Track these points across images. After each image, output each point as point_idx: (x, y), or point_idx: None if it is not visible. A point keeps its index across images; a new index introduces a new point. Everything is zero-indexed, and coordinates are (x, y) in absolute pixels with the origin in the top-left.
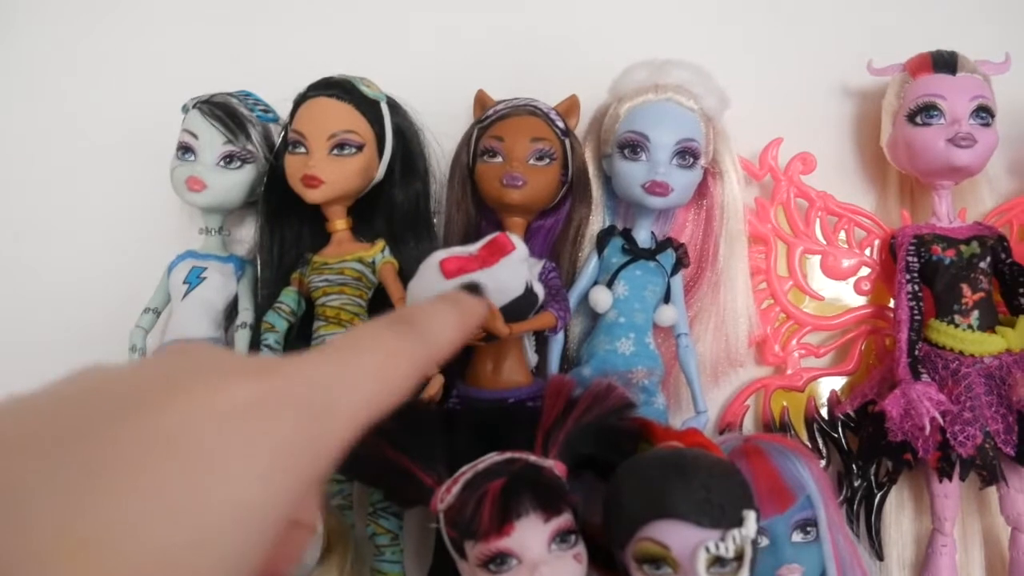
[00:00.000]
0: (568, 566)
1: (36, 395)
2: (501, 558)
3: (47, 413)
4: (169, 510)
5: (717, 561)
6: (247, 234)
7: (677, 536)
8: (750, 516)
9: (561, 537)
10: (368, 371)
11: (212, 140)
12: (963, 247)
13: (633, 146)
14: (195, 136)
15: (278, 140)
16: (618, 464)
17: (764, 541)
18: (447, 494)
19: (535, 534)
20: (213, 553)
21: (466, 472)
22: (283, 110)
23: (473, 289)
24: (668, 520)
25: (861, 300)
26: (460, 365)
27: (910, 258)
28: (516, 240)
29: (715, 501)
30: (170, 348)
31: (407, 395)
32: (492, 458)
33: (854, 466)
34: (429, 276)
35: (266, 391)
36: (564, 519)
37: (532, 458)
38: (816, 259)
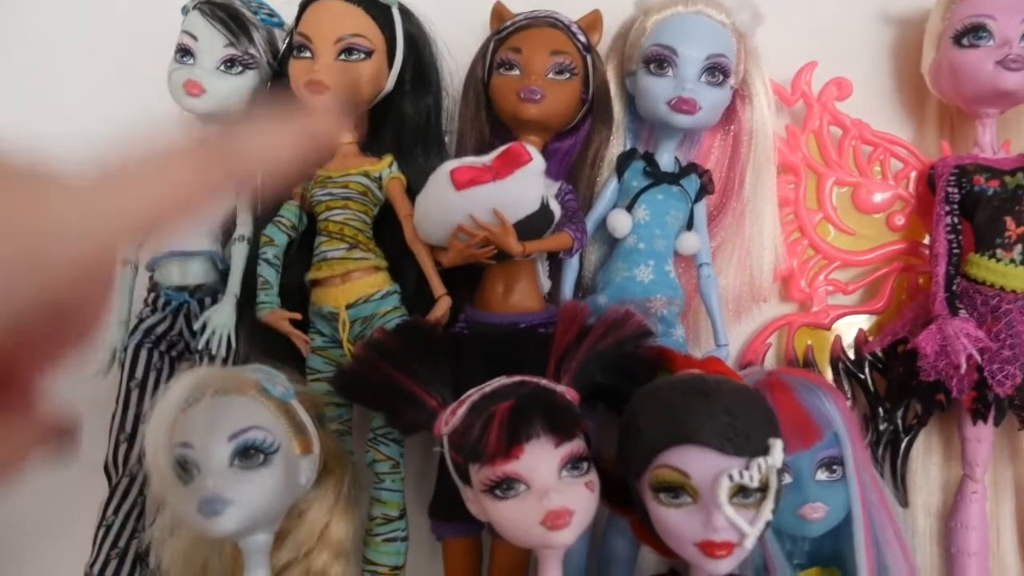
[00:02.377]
0: (580, 493)
1: None
2: (508, 483)
3: None
4: None
5: (740, 491)
6: None
7: (698, 463)
8: (776, 444)
9: (573, 463)
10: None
11: (213, 42)
12: (1008, 178)
13: (660, 60)
14: (195, 38)
15: (283, 46)
16: (633, 394)
17: (787, 478)
18: (452, 416)
19: (545, 458)
20: None
21: (473, 394)
22: (289, 15)
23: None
24: (688, 446)
25: (894, 236)
26: (469, 287)
27: (950, 188)
28: (532, 151)
29: (739, 427)
30: None
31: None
32: (501, 381)
33: (880, 408)
34: (439, 188)
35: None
36: (576, 444)
37: (543, 382)
38: (848, 191)
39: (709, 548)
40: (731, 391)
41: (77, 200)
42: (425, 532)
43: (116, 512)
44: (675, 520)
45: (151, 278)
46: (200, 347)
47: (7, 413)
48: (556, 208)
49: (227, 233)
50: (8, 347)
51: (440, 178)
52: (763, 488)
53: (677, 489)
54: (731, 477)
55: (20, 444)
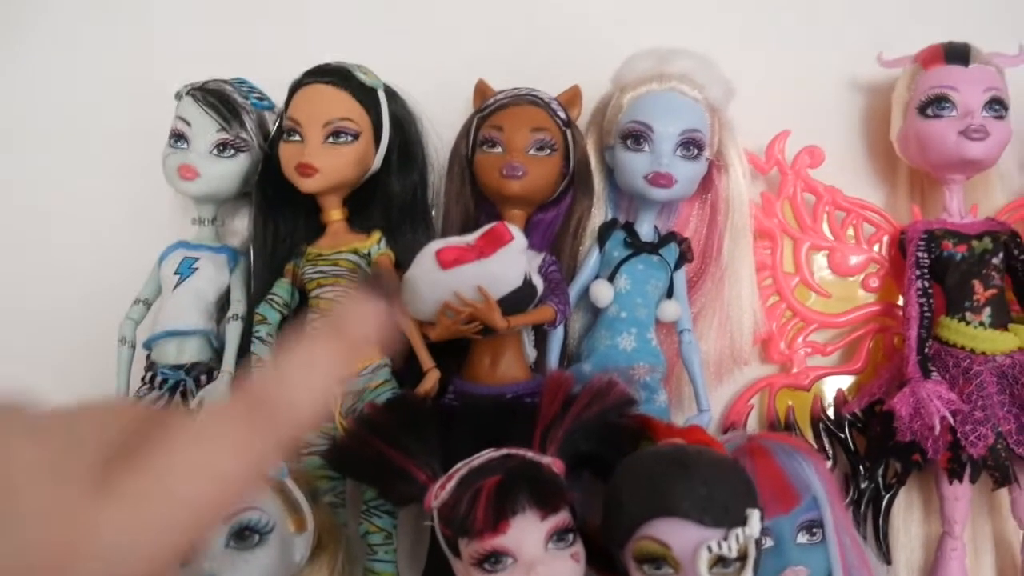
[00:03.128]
0: (566, 565)
1: None
2: (496, 557)
3: None
4: None
5: (720, 561)
6: (241, 225)
7: (678, 535)
8: (754, 515)
9: (558, 535)
10: (199, 472)
11: (205, 128)
12: (975, 243)
13: (636, 136)
14: (188, 123)
15: (273, 128)
16: (618, 462)
17: (768, 542)
18: (441, 491)
19: (531, 532)
20: None
21: (461, 468)
22: (278, 98)
23: (378, 283)
24: (669, 518)
25: (869, 297)
26: (457, 359)
27: (920, 253)
28: (515, 230)
29: (717, 499)
30: None
31: (255, 480)
32: (488, 454)
33: (861, 467)
34: (425, 266)
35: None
36: (562, 517)
37: (529, 454)
38: (823, 255)
39: None
40: (709, 463)
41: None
42: None
43: None
44: None
45: (148, 357)
46: None
47: None
48: (539, 282)
49: (222, 310)
50: None
51: (426, 257)
52: (742, 557)
53: (659, 560)
54: (710, 548)
55: None
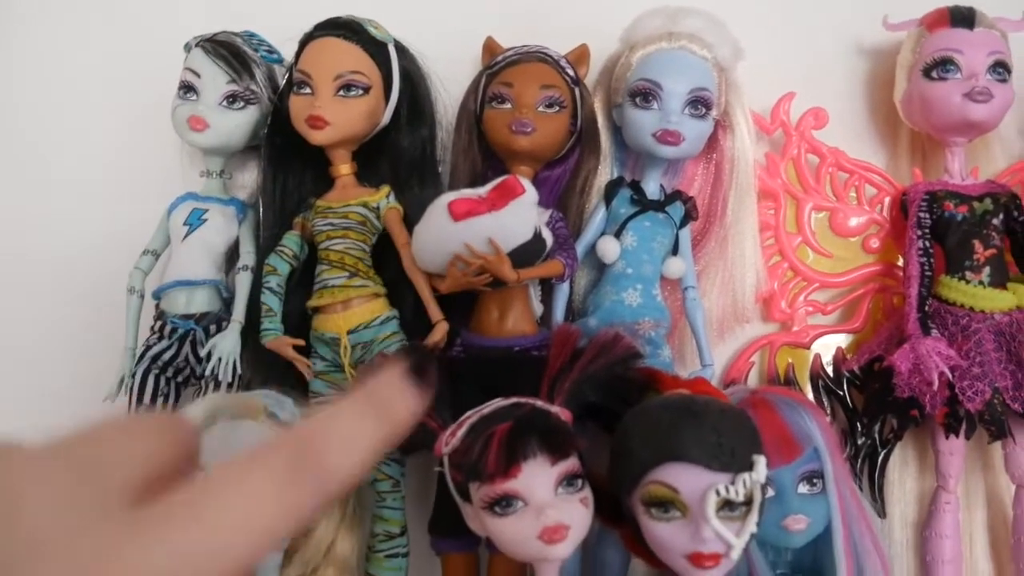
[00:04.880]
0: (575, 509)
1: None
2: (507, 500)
3: None
4: None
5: (727, 504)
6: (248, 179)
7: (687, 479)
8: (760, 460)
9: (568, 481)
10: (238, 523)
11: (215, 79)
12: (976, 204)
13: (645, 94)
14: (197, 75)
15: (282, 82)
16: (623, 414)
17: (770, 492)
18: (452, 437)
19: (542, 477)
20: None
21: (471, 416)
22: (287, 52)
23: (419, 363)
24: (678, 463)
25: (870, 258)
26: (464, 312)
27: (922, 214)
28: (526, 183)
29: (725, 445)
30: None
31: (289, 535)
32: (498, 403)
33: (858, 424)
34: (437, 218)
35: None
36: (571, 463)
37: (538, 403)
38: (825, 216)
39: (698, 559)
40: (718, 410)
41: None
42: (424, 548)
43: None
44: (665, 533)
45: (157, 306)
46: (207, 373)
47: None
48: (548, 236)
49: (230, 262)
50: None
51: (438, 209)
52: (748, 502)
53: (667, 504)
54: (718, 492)
55: None
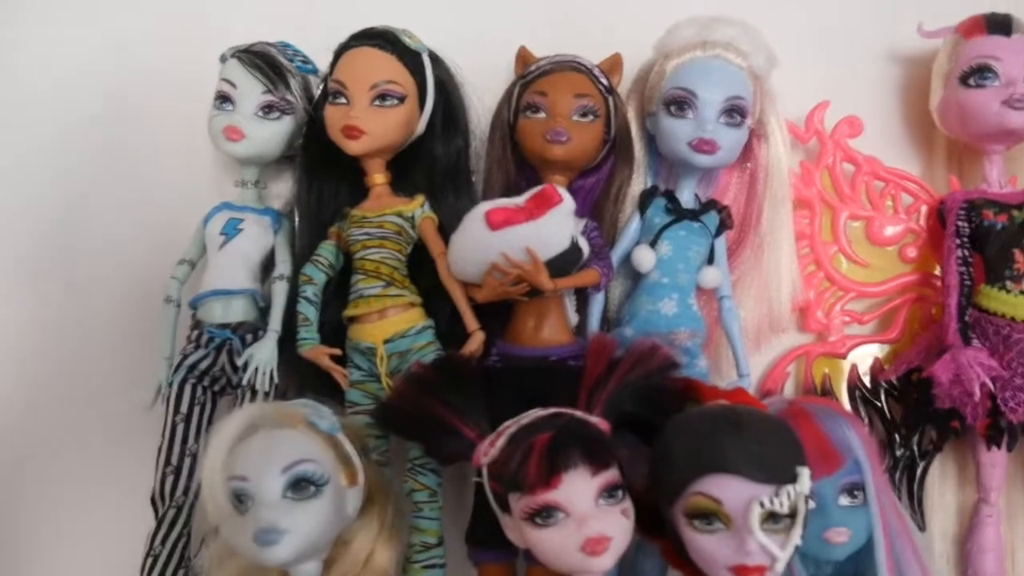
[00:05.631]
0: (616, 520)
1: None
2: (548, 511)
3: None
4: None
5: (771, 517)
6: (283, 189)
7: (730, 490)
8: (804, 472)
9: (609, 492)
10: None
11: (251, 89)
12: (1015, 212)
13: (680, 103)
14: (233, 85)
15: (317, 92)
16: (661, 424)
17: (811, 504)
18: (491, 448)
19: (583, 487)
20: None
21: (510, 426)
22: (321, 63)
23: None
24: (721, 474)
25: (906, 267)
26: (499, 322)
27: (960, 223)
28: (563, 192)
29: (769, 456)
30: None
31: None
32: (537, 413)
33: (896, 435)
34: (474, 228)
35: None
36: (611, 474)
37: (577, 413)
38: (861, 225)
39: (743, 572)
40: (760, 421)
41: None
42: (460, 558)
43: (163, 542)
44: (709, 545)
45: (194, 316)
46: (244, 382)
47: None
48: (585, 246)
49: (266, 271)
50: None
51: (475, 219)
52: (792, 514)
53: (710, 516)
54: (762, 504)
55: None
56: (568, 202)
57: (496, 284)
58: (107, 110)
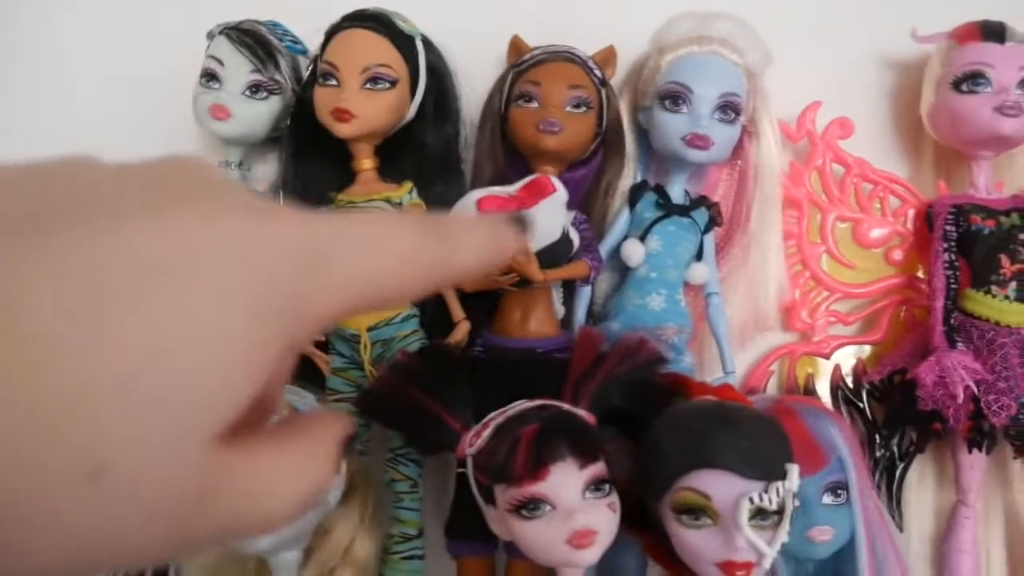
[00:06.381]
0: (603, 514)
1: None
2: (534, 503)
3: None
4: (148, 343)
5: (759, 513)
6: (267, 171)
7: (719, 486)
8: (793, 469)
9: (596, 485)
10: (379, 253)
11: (239, 68)
12: (1003, 218)
13: (675, 97)
14: (221, 63)
15: (306, 73)
16: (648, 419)
17: (795, 502)
18: (476, 439)
19: (570, 480)
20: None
21: (496, 417)
22: (311, 44)
23: (520, 223)
24: (710, 470)
25: (892, 270)
26: (486, 312)
27: (948, 227)
28: (556, 183)
29: (759, 452)
30: (169, 160)
31: (401, 302)
32: (523, 404)
33: (877, 436)
34: (465, 215)
35: (266, 234)
36: (598, 467)
37: (564, 406)
38: (848, 226)
39: (730, 568)
40: (749, 417)
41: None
42: (439, 550)
43: None
44: (696, 541)
45: None
46: None
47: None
48: (575, 237)
49: None
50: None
51: (466, 206)
52: (779, 511)
53: (699, 511)
54: (751, 500)
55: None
56: (561, 193)
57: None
58: (91, 84)
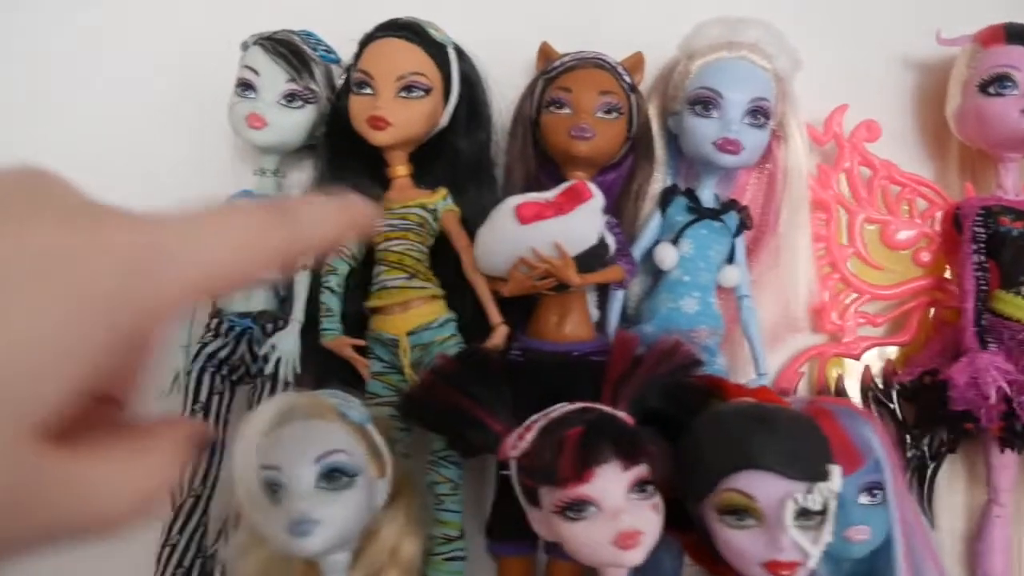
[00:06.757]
0: (647, 515)
1: None
2: (580, 505)
3: None
4: None
5: (803, 514)
6: (301, 178)
7: (763, 487)
8: (836, 470)
9: (639, 487)
10: (219, 241)
11: (274, 77)
12: None
13: (705, 102)
14: (256, 73)
15: (339, 82)
16: (685, 421)
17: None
18: (520, 440)
19: (615, 481)
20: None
21: (539, 420)
22: (344, 53)
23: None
24: (754, 471)
25: (920, 272)
26: (522, 317)
27: (977, 229)
28: (594, 188)
29: (802, 453)
30: (4, 173)
31: (261, 277)
32: (565, 407)
33: (908, 436)
34: (503, 221)
35: (84, 242)
36: (642, 469)
37: (606, 408)
38: (876, 228)
39: (775, 568)
40: (790, 418)
41: (182, 230)
42: (479, 551)
43: (181, 532)
44: (740, 541)
45: (213, 304)
46: (266, 372)
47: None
48: (611, 242)
49: None
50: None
51: (504, 212)
52: (823, 511)
53: (742, 512)
54: (796, 500)
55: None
56: (598, 198)
57: (523, 278)
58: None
